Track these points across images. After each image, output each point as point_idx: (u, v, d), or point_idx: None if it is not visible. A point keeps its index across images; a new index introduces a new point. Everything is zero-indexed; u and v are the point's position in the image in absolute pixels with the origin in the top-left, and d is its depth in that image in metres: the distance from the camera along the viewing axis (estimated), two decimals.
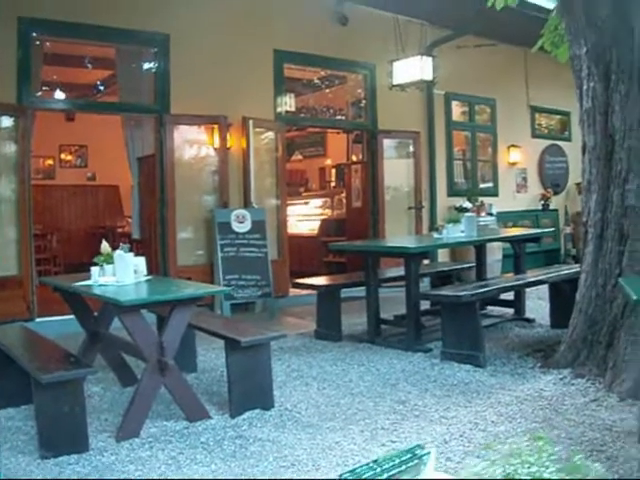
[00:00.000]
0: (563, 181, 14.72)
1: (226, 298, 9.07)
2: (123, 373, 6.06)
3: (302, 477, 3.97)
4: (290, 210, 12.77)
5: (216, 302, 9.22)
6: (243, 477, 4.00)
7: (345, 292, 8.20)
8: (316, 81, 13.44)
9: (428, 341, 7.24)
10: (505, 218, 12.93)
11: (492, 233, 9.95)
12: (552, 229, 12.36)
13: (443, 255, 11.88)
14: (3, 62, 8.13)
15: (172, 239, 9.43)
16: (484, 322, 7.84)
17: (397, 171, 11.86)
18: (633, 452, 4.30)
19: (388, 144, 11.79)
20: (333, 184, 15.66)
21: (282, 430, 4.84)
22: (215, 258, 9.39)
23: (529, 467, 2.16)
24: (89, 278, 5.45)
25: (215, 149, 9.78)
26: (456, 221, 8.14)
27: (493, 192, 13.51)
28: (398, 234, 11.30)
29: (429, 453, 2.32)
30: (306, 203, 14.96)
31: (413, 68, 10.43)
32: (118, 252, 5.39)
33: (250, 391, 5.23)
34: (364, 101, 11.82)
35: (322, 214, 14.32)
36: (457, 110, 13.22)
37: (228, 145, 9.82)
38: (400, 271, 7.61)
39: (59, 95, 11.71)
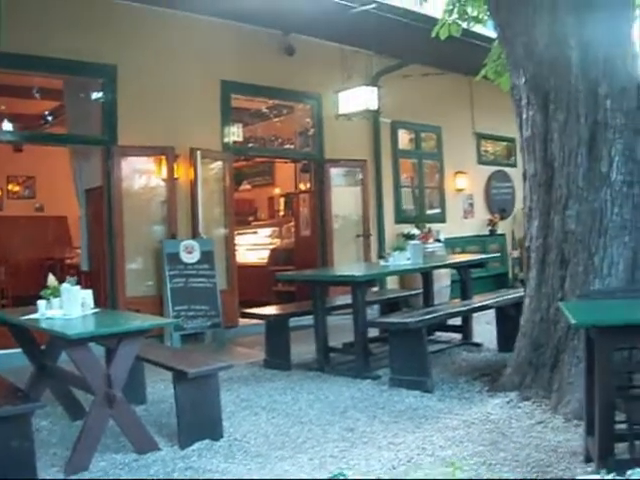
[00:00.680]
0: (509, 206, 14.93)
1: (175, 329, 9.04)
2: (72, 406, 6.00)
3: None
4: (239, 240, 12.77)
5: (166, 333, 9.17)
6: None
7: (295, 321, 8.23)
8: (264, 111, 13.50)
9: (377, 368, 7.28)
10: (453, 244, 13.06)
11: (440, 259, 10.07)
12: (497, 254, 12.50)
13: (392, 282, 11.94)
14: None
15: (121, 270, 9.39)
16: (432, 348, 7.94)
17: (345, 199, 11.94)
18: (578, 472, 4.37)
19: (335, 173, 11.87)
20: (282, 213, 15.72)
21: (231, 460, 4.83)
22: (164, 289, 9.36)
23: None
24: (36, 311, 5.42)
25: (163, 180, 9.77)
26: (402, 249, 8.22)
27: (440, 218, 13.66)
28: (347, 262, 11.35)
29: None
30: (255, 232, 14.97)
31: (358, 98, 10.57)
32: (65, 285, 5.37)
33: (199, 422, 5.22)
34: (311, 130, 11.90)
35: (271, 243, 14.35)
36: (404, 138, 13.36)
37: (176, 176, 9.82)
38: (349, 299, 7.63)
39: (6, 126, 11.60)
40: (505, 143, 15.35)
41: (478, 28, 9.12)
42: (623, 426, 4.09)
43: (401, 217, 12.82)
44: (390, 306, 8.97)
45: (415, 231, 12.06)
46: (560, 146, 5.93)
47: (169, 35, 9.64)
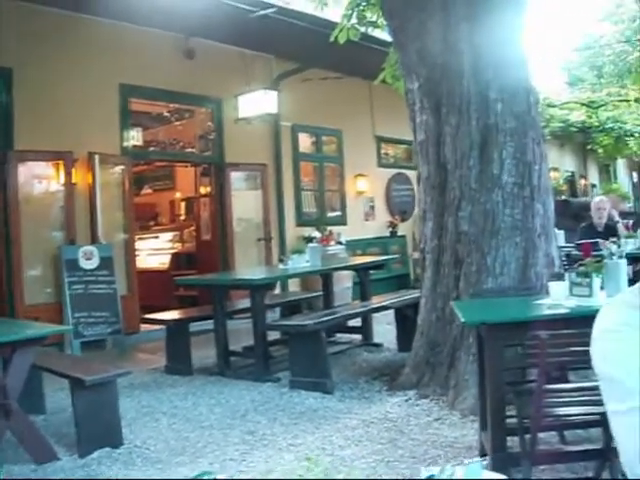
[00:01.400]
0: (410, 208, 15.12)
1: (75, 336, 8.88)
2: None
3: None
4: (140, 245, 12.61)
5: (66, 341, 8.99)
6: None
7: (197, 325, 8.19)
8: (166, 114, 13.34)
9: (277, 371, 7.29)
10: (354, 246, 13.17)
11: (340, 261, 10.15)
12: (395, 256, 12.62)
13: (294, 285, 11.99)
14: None
15: (19, 278, 9.15)
16: (333, 349, 8.02)
17: (246, 203, 11.92)
18: None
19: (236, 176, 11.83)
20: (183, 217, 15.58)
21: (131, 467, 4.80)
22: (63, 296, 9.18)
23: None
24: None
25: (61, 185, 9.57)
26: (301, 251, 8.28)
27: (342, 221, 13.75)
28: (248, 266, 11.34)
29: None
30: (156, 237, 14.81)
31: (258, 101, 10.61)
32: None
33: (98, 430, 5.15)
34: (212, 134, 11.85)
35: (172, 248, 14.22)
36: (305, 141, 13.41)
37: (74, 181, 9.63)
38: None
39: None
40: (405, 146, 15.49)
41: (377, 33, 9.25)
42: (515, 420, 4.21)
43: (302, 220, 12.86)
44: (291, 308, 9.02)
45: (316, 234, 12.14)
46: (453, 149, 6.08)
47: (67, 38, 9.44)
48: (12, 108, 9.16)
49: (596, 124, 21.31)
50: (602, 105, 20.97)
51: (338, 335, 8.98)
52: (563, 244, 9.03)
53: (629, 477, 1.13)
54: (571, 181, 23.94)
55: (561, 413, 3.87)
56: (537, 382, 3.72)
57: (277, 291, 11.31)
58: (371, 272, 9.64)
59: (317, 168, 13.60)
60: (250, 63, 11.32)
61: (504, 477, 2.37)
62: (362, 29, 8.74)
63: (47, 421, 6.03)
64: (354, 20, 8.65)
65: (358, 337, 8.84)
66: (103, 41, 9.87)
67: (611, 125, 21.17)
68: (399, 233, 14.70)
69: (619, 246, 5.65)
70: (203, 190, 12.89)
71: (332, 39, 8.42)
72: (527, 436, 3.87)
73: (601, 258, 4.48)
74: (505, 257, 5.87)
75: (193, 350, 7.93)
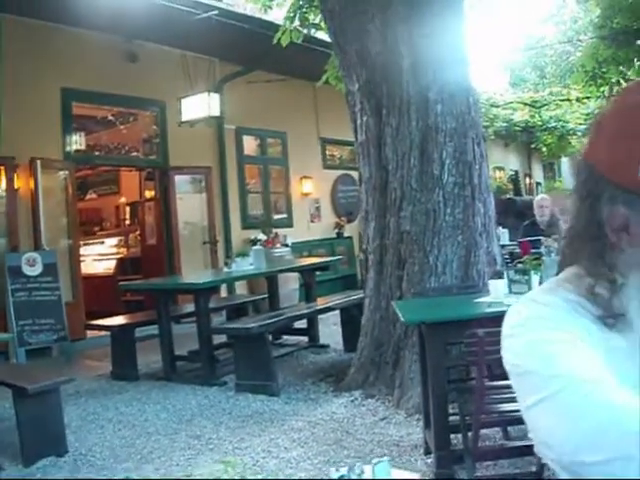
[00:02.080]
0: (356, 209, 15.03)
1: (20, 344, 8.74)
2: None
3: None
4: (85, 250, 12.47)
5: (10, 349, 8.85)
6: None
7: (143, 330, 8.13)
8: (110, 118, 13.19)
9: (224, 374, 7.27)
10: (301, 248, 13.17)
11: (286, 264, 10.15)
12: (339, 257, 12.59)
13: (241, 287, 11.95)
14: None
15: None
16: (280, 351, 8.03)
17: (191, 207, 11.86)
18: (419, 464, 4.52)
19: (180, 180, 11.76)
20: (128, 222, 15.44)
21: (77, 475, 4.76)
22: (7, 303, 9.03)
23: None
24: None
25: (3, 191, 9.42)
26: (245, 254, 8.28)
27: (287, 223, 13.72)
28: (194, 269, 11.25)
29: None
30: (102, 242, 14.66)
31: (201, 104, 10.54)
32: None
33: (42, 438, 5.10)
34: (156, 138, 11.76)
35: (118, 253, 14.08)
36: (250, 144, 13.37)
37: (16, 187, 9.49)
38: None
39: None
40: (350, 147, 15.34)
41: (321, 34, 9.27)
42: (458, 418, 4.25)
43: (248, 223, 12.81)
44: (237, 311, 9.00)
45: (262, 236, 12.12)
46: (393, 150, 6.12)
47: (8, 41, 9.30)
48: None
49: (539, 123, 21.57)
50: (545, 105, 21.23)
51: (285, 337, 8.99)
52: (507, 242, 9.13)
53: (560, 468, 1.13)
54: (515, 180, 24.21)
55: (503, 409, 3.90)
56: (477, 379, 3.76)
57: (224, 294, 11.32)
58: (318, 273, 9.65)
59: (262, 170, 13.56)
60: (193, 66, 11.24)
61: (414, 475, 2.40)
62: (305, 31, 8.75)
63: None
64: (297, 22, 8.68)
65: (305, 339, 8.85)
66: (44, 45, 9.73)
67: (554, 124, 21.44)
68: (346, 234, 14.72)
69: (560, 243, 5.73)
70: (148, 194, 12.81)
71: (275, 41, 8.43)
72: (470, 433, 3.90)
73: (539, 255, 4.55)
74: (447, 256, 5.92)
75: (139, 355, 7.87)
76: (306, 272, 8.97)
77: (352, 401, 6.05)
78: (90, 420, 6.16)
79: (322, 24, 8.37)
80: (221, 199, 12.28)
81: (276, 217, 13.63)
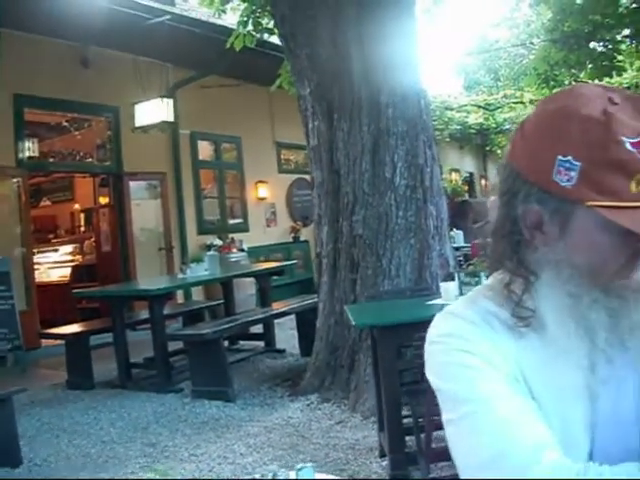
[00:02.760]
0: (312, 213, 15.07)
1: None
2: None
3: None
4: (40, 258, 12.32)
5: None
6: None
7: (100, 338, 8.05)
8: (64, 124, 13.05)
9: (180, 381, 7.23)
10: (257, 253, 13.12)
11: (242, 269, 10.13)
12: (294, 261, 12.56)
13: (198, 294, 11.90)
14: None
15: None
16: (236, 357, 8.00)
17: (146, 213, 11.78)
18: (374, 467, 4.54)
19: (135, 186, 11.66)
20: (83, 229, 15.30)
21: None
22: None
23: None
24: None
25: None
26: (200, 260, 8.24)
27: (244, 228, 13.67)
28: (150, 276, 11.16)
29: None
30: (56, 250, 14.49)
31: (154, 110, 10.48)
32: None
33: None
34: (110, 144, 11.66)
35: (73, 260, 13.92)
36: (205, 149, 13.32)
37: None
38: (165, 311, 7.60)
39: None
40: (305, 151, 15.46)
41: (274, 39, 9.25)
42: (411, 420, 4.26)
43: (204, 228, 12.74)
44: (193, 317, 8.94)
45: (218, 242, 12.07)
46: (345, 154, 6.14)
47: None
48: None
49: (493, 126, 21.79)
50: (499, 107, 21.45)
51: (241, 342, 8.95)
52: (462, 244, 9.20)
53: None
54: (471, 182, 24.40)
55: None
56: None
57: (180, 300, 11.26)
58: (274, 278, 9.64)
59: (217, 175, 13.50)
60: (147, 71, 11.17)
61: (338, 477, 2.41)
62: (258, 36, 8.75)
63: None
64: (250, 27, 8.67)
65: (261, 344, 8.82)
66: None
67: (508, 126, 21.63)
68: (302, 238, 14.70)
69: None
70: (102, 200, 12.70)
71: (228, 46, 8.42)
72: (423, 435, 3.92)
73: None
74: (400, 259, 5.95)
75: (95, 363, 7.78)
76: (261, 277, 8.96)
77: (308, 405, 6.04)
78: (45, 430, 6.08)
79: (275, 29, 8.38)
80: (176, 205, 12.21)
81: (232, 222, 13.57)
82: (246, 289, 11.24)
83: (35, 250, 10.95)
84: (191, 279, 8.15)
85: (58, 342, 8.71)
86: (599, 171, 1.09)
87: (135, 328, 8.31)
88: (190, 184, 12.58)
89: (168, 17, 9.74)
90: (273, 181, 14.43)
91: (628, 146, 1.08)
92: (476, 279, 4.31)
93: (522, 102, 20.91)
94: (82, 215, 15.46)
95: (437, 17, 12.17)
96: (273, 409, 6.13)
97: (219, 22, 10.11)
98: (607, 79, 15.30)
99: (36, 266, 10.83)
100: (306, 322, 7.79)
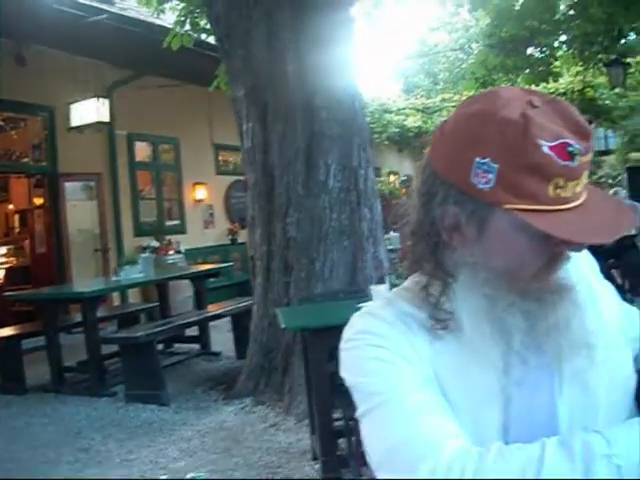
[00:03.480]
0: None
1: None
2: None
3: None
4: None
5: None
6: None
7: (33, 342, 7.92)
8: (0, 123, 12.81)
9: (114, 384, 7.14)
10: (195, 255, 13.04)
11: (179, 271, 10.05)
12: (230, 263, 12.47)
13: (136, 296, 11.78)
14: None
15: None
16: (171, 360, 7.95)
17: (82, 214, 11.61)
18: (307, 470, 4.54)
19: (71, 187, 11.49)
20: (17, 230, 15.05)
21: None
22: None
23: None
24: None
25: None
26: (134, 262, 8.16)
27: (181, 229, 13.58)
28: (85, 278, 11.02)
29: None
30: None
31: (90, 110, 10.36)
32: None
33: None
34: (45, 144, 11.47)
35: (7, 262, 13.69)
36: (142, 150, 13.19)
37: None
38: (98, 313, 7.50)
39: None
40: None
41: (213, 39, 9.20)
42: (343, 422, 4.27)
43: (141, 230, 12.61)
44: (129, 320, 8.85)
45: (155, 243, 11.97)
46: (279, 156, 6.13)
47: None
48: None
49: (432, 129, 21.92)
50: (437, 111, 21.60)
51: (176, 345, 8.88)
52: (399, 246, 9.24)
53: (376, 477, 1.18)
54: (409, 184, 24.56)
55: None
56: None
57: (117, 303, 11.14)
58: (212, 280, 9.60)
59: (155, 177, 13.38)
60: (83, 70, 11.00)
61: None
62: (195, 36, 8.71)
63: None
64: (188, 27, 8.62)
65: (197, 346, 8.77)
66: None
67: None
68: (240, 240, 14.61)
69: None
70: (37, 201, 12.51)
71: (165, 45, 8.36)
72: (354, 437, 3.92)
73: None
74: (334, 262, 5.96)
75: (28, 367, 7.65)
76: (196, 279, 8.90)
77: (242, 409, 6.03)
78: None
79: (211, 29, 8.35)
80: (113, 206, 12.06)
81: (169, 224, 13.46)
82: (183, 291, 11.14)
83: None
84: (125, 281, 8.05)
85: None
86: (516, 174, 1.10)
87: (70, 331, 8.18)
88: (127, 185, 12.44)
89: (106, 16, 9.60)
90: (211, 183, 14.35)
91: (546, 150, 1.08)
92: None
93: None
94: (17, 216, 15.21)
95: (377, 21, 12.20)
96: (207, 413, 6.09)
97: (158, 22, 10.01)
98: (544, 84, 15.62)
99: None
100: (242, 324, 7.77)
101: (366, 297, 5.10)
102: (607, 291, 1.44)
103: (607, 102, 20.57)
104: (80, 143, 11.03)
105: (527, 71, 13.16)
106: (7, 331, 8.20)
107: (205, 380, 7.28)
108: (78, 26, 9.49)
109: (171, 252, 12.21)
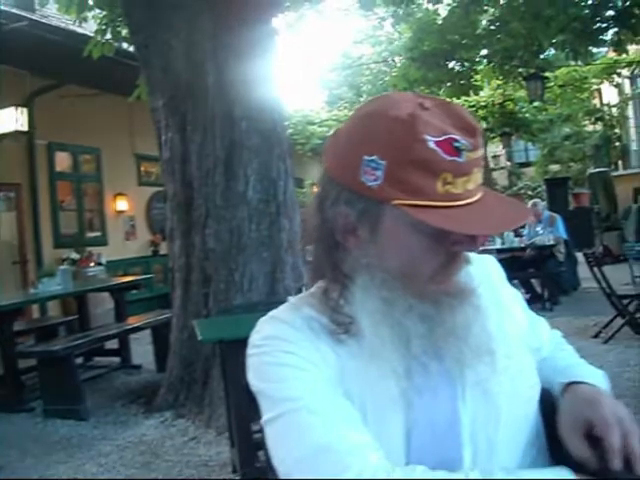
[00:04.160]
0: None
1: None
2: None
3: None
4: None
5: None
6: None
7: None
8: None
9: (32, 399, 6.95)
10: (116, 267, 12.86)
11: (98, 283, 9.91)
12: (150, 276, 12.33)
13: (55, 308, 11.55)
14: None
15: None
16: (90, 373, 7.84)
17: (0, 225, 11.39)
18: None
19: None
20: None
21: None
22: None
23: None
24: None
25: None
26: (52, 274, 8.02)
27: (102, 241, 13.35)
28: (4, 290, 10.78)
29: None
30: None
31: (9, 119, 10.17)
32: None
33: None
34: None
35: None
36: (63, 160, 12.95)
37: None
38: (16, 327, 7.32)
39: None
40: None
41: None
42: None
43: (61, 241, 12.37)
44: (48, 333, 8.68)
45: (75, 255, 11.78)
46: (198, 167, 6.10)
47: None
48: None
49: None
50: None
51: (97, 359, 8.74)
52: None
53: None
54: None
55: None
56: None
57: (36, 316, 10.92)
58: (133, 292, 9.50)
59: (75, 187, 13.15)
60: (2, 79, 10.79)
61: None
62: (116, 45, 8.63)
63: None
64: (109, 35, 8.54)
65: (117, 360, 8.64)
66: None
67: None
68: (162, 252, 14.41)
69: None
70: None
71: (85, 54, 8.27)
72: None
73: None
74: (253, 273, 5.94)
75: None
76: (116, 291, 8.79)
77: (162, 422, 5.96)
78: None
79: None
80: (32, 217, 11.83)
81: (90, 235, 13.22)
82: (104, 304, 10.98)
83: None
84: (42, 294, 7.91)
85: None
86: (403, 170, 1.11)
87: None
88: (47, 196, 12.21)
89: (26, 23, 9.43)
90: (133, 194, 14.18)
91: (432, 145, 1.10)
92: None
93: None
94: None
95: (301, 33, 12.27)
96: (127, 427, 6.01)
97: (80, 30, 9.87)
98: (464, 97, 15.88)
99: None
100: (162, 337, 7.67)
101: None
102: (514, 300, 1.46)
103: (527, 115, 21.00)
104: None
105: (448, 84, 13.36)
106: None
107: (125, 394, 7.18)
108: None
109: (92, 264, 12.01)
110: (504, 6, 10.85)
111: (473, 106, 20.29)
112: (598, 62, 17.65)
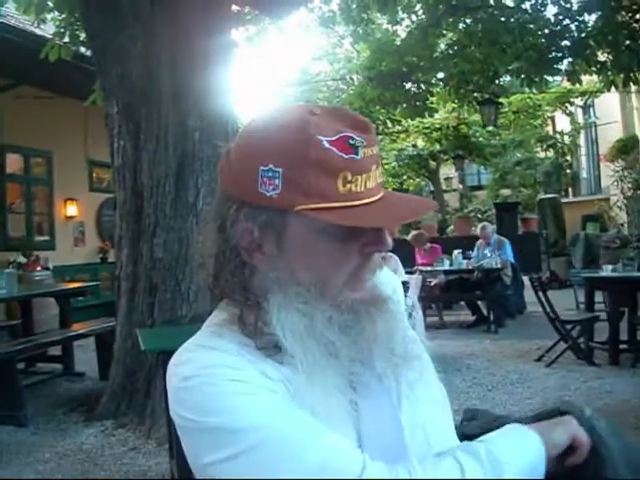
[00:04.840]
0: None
1: None
2: None
3: None
4: None
5: None
6: None
7: None
8: None
9: None
10: (63, 272, 12.71)
11: (44, 288, 9.80)
12: (96, 283, 12.22)
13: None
14: None
15: None
16: (32, 379, 7.75)
17: None
18: None
19: None
20: None
21: None
22: None
23: None
24: None
25: None
26: None
27: (50, 246, 13.20)
28: None
29: None
30: None
31: None
32: None
33: None
34: None
35: None
36: (14, 162, 12.79)
37: None
38: None
39: None
40: None
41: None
42: None
43: (8, 244, 12.21)
44: None
45: (22, 259, 11.63)
46: (149, 175, 6.08)
47: None
48: None
49: None
50: None
51: (39, 365, 8.64)
52: None
53: None
54: None
55: None
56: None
57: None
58: (80, 299, 9.41)
59: (25, 190, 12.99)
60: None
61: None
62: (74, 48, 8.57)
63: None
64: (67, 39, 8.48)
65: (60, 366, 8.54)
66: None
67: None
68: (110, 259, 14.25)
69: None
70: None
71: (42, 56, 8.20)
72: None
73: None
74: (200, 284, 5.91)
75: None
76: (61, 297, 8.69)
77: (103, 431, 5.91)
78: None
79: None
80: None
81: (38, 239, 13.05)
82: (49, 309, 10.86)
83: None
84: None
85: None
86: (302, 174, 1.10)
87: None
88: None
89: None
90: (83, 199, 14.03)
91: (326, 145, 1.10)
92: None
93: None
94: None
95: (260, 46, 12.28)
96: (67, 434, 5.94)
97: (38, 31, 9.78)
98: (419, 119, 16.03)
99: None
100: (106, 345, 7.59)
101: None
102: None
103: (480, 139, 21.25)
104: None
105: (404, 105, 13.45)
106: None
107: (67, 401, 7.10)
108: None
109: (38, 268, 11.86)
110: (462, 31, 11.00)
111: (427, 128, 20.51)
112: (552, 90, 17.99)
